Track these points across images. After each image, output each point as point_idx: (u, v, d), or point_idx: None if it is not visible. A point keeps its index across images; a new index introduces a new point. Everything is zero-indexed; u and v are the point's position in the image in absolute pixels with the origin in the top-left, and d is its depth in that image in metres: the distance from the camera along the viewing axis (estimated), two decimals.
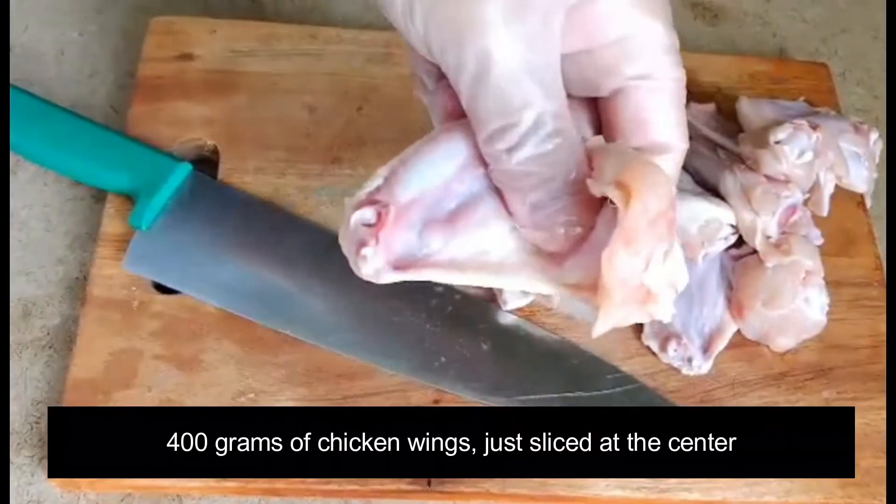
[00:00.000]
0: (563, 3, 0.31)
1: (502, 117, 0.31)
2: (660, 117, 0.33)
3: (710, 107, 0.55)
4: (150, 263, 0.49)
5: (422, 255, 0.33)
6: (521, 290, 0.35)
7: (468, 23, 0.30)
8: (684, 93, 0.34)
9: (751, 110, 0.53)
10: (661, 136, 0.34)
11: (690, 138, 0.54)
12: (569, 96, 0.32)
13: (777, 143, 0.49)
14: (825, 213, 0.51)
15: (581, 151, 0.32)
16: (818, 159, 0.50)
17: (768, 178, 0.49)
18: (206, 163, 0.55)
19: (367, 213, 0.32)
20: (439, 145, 0.34)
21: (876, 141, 0.54)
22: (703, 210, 0.49)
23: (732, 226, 0.50)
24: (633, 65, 0.33)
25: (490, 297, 0.50)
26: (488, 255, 0.33)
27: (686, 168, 0.53)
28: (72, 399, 0.46)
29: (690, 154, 0.53)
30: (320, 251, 0.50)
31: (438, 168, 0.33)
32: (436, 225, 0.33)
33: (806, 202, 0.51)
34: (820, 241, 0.52)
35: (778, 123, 0.50)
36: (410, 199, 0.33)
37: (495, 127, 0.31)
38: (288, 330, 0.48)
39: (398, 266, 0.32)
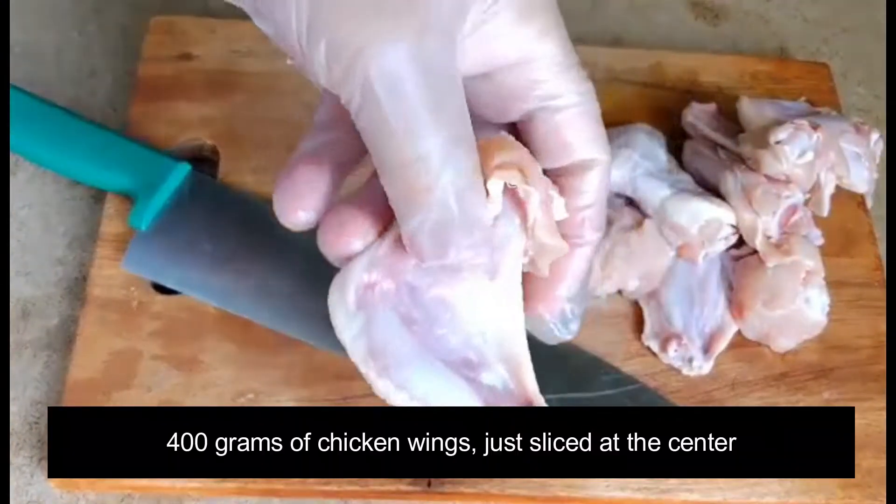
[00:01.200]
0: (458, 27, 0.29)
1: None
2: (576, 136, 0.33)
3: (711, 107, 0.55)
4: (148, 264, 0.49)
5: None
6: None
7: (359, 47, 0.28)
8: (596, 104, 0.34)
9: (751, 110, 0.53)
10: (582, 155, 0.33)
11: (692, 138, 0.54)
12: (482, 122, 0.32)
13: (777, 143, 0.49)
14: (826, 213, 0.51)
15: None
16: (819, 159, 0.50)
17: (769, 178, 0.49)
18: (205, 162, 0.55)
19: None
20: None
21: (877, 141, 0.54)
22: (703, 210, 0.49)
23: (733, 226, 0.50)
24: (536, 89, 0.32)
25: None
26: None
27: (687, 168, 0.53)
28: (71, 399, 0.46)
29: (692, 154, 0.53)
30: (319, 251, 0.49)
31: None
32: None
33: (806, 202, 0.51)
34: (820, 242, 0.52)
35: (778, 123, 0.50)
36: None
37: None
38: (286, 331, 0.48)
39: None
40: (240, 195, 0.52)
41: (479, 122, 0.31)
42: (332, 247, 0.32)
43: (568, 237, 0.33)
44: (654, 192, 0.50)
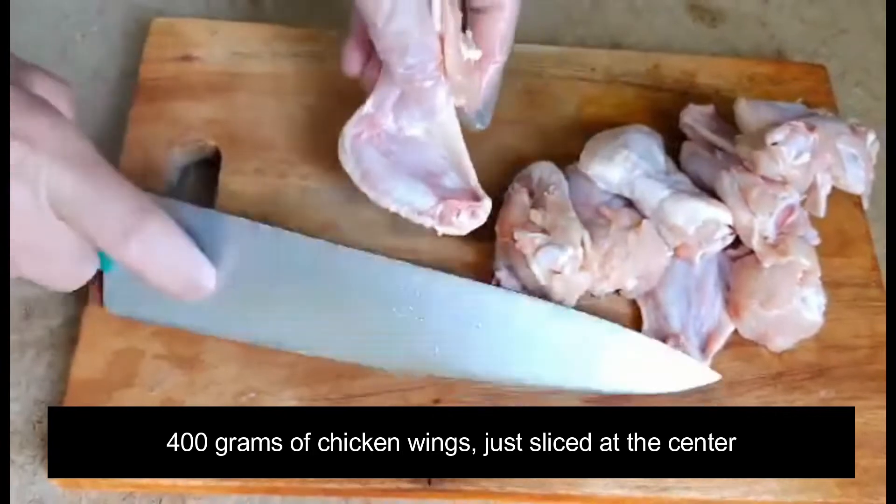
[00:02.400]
0: None
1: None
2: None
3: (709, 108, 0.55)
4: (131, 302, 0.47)
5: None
6: None
7: None
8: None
9: (748, 112, 0.53)
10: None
11: (690, 140, 0.54)
12: None
13: (774, 144, 0.49)
14: (822, 214, 0.52)
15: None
16: (815, 160, 0.50)
17: (765, 179, 0.50)
18: (206, 164, 0.56)
19: None
20: None
21: (873, 142, 0.54)
22: (700, 211, 0.49)
23: (730, 226, 0.50)
24: None
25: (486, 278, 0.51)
26: None
27: (684, 170, 0.53)
28: (73, 398, 0.46)
29: (689, 156, 0.54)
30: (304, 262, 0.48)
31: None
32: None
33: (803, 203, 0.51)
34: (816, 242, 0.52)
35: (775, 125, 0.50)
36: None
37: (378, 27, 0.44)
38: (281, 346, 0.48)
39: None
40: (213, 215, 0.49)
41: None
42: (346, 70, 0.51)
43: (487, 57, 0.49)
44: (651, 193, 0.50)
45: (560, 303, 0.48)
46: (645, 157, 0.51)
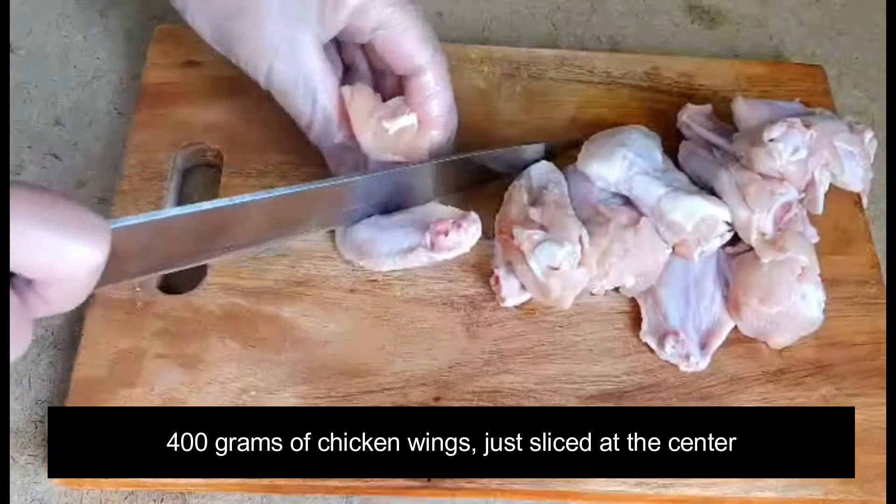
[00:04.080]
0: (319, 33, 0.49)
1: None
2: (406, 49, 0.49)
3: (707, 108, 0.55)
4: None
5: None
6: None
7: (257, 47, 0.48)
8: (421, 24, 0.49)
9: (746, 110, 0.53)
10: (416, 62, 0.49)
11: (689, 139, 0.54)
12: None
13: (771, 140, 0.49)
14: (820, 210, 0.52)
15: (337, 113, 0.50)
16: (812, 157, 0.50)
17: (763, 176, 0.50)
18: (209, 167, 0.56)
19: None
20: None
21: (871, 140, 0.54)
22: (698, 208, 0.50)
23: (728, 223, 0.50)
24: (372, 21, 0.48)
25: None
26: None
27: (683, 169, 0.53)
28: (76, 398, 0.46)
29: (687, 155, 0.54)
30: None
31: None
32: None
33: (801, 201, 0.51)
34: (816, 240, 0.52)
35: (772, 122, 0.50)
36: None
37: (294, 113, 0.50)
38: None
39: None
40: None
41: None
42: None
43: (426, 122, 0.50)
44: (649, 191, 0.50)
45: (558, 301, 0.49)
46: (643, 156, 0.52)
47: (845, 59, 0.68)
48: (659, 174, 0.51)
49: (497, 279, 0.50)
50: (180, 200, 0.55)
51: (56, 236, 0.33)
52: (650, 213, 0.50)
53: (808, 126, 0.50)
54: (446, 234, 0.48)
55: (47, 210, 0.32)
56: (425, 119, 0.50)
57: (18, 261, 0.32)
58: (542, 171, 0.53)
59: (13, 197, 0.32)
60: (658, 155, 0.53)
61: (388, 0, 0.48)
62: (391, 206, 0.52)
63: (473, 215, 0.49)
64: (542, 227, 0.48)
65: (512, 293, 0.50)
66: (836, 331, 0.52)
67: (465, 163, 0.52)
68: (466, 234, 0.49)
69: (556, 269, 0.47)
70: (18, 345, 0.35)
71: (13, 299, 0.34)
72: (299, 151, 0.55)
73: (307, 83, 0.49)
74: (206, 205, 0.42)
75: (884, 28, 0.70)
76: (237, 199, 0.43)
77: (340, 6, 0.48)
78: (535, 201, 0.50)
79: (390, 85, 0.53)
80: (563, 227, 0.48)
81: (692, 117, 0.55)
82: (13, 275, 0.33)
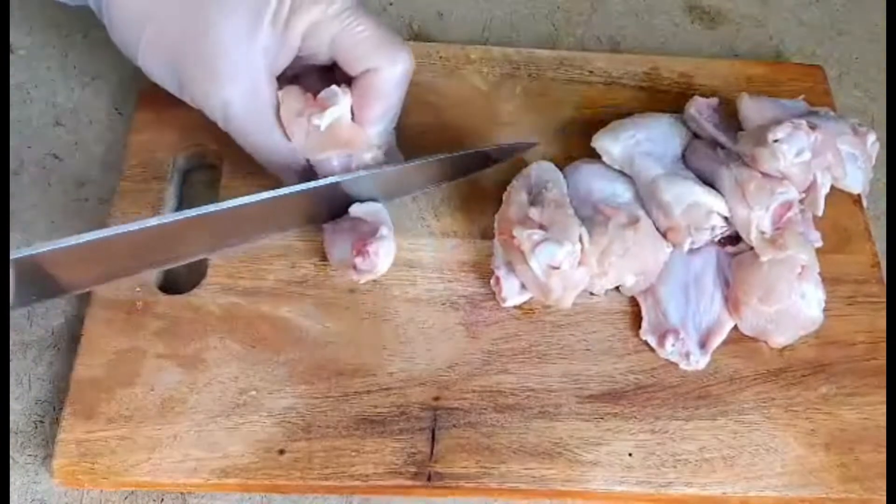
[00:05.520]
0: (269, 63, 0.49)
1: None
2: (359, 52, 0.49)
3: (714, 100, 0.55)
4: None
5: None
6: None
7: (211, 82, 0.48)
8: (374, 27, 0.49)
9: (751, 108, 0.53)
10: (368, 64, 0.49)
11: (696, 136, 0.54)
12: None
13: (776, 141, 0.49)
14: (820, 212, 0.52)
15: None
16: (815, 159, 0.50)
17: (764, 175, 0.50)
18: (210, 168, 0.56)
19: None
20: None
21: (873, 143, 0.54)
22: (690, 191, 0.50)
23: (725, 218, 0.50)
24: (324, 35, 0.49)
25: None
26: None
27: (689, 167, 0.53)
28: (75, 398, 0.46)
29: (691, 153, 0.54)
30: None
31: None
32: None
33: (802, 201, 0.51)
34: (819, 244, 0.52)
35: (777, 122, 0.50)
36: None
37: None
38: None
39: None
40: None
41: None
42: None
43: (365, 117, 0.50)
44: (648, 169, 0.51)
45: (558, 300, 0.49)
46: (654, 141, 0.53)
47: (845, 59, 0.68)
48: (665, 161, 0.52)
49: (497, 279, 0.50)
50: (180, 201, 0.55)
51: None
52: (645, 193, 0.51)
53: (813, 128, 0.50)
54: (366, 256, 0.48)
55: None
56: (365, 117, 0.50)
57: None
58: (540, 170, 0.53)
59: None
60: (677, 146, 0.53)
61: (336, 11, 0.48)
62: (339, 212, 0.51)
63: (382, 230, 0.49)
64: (542, 227, 0.48)
65: (512, 293, 0.50)
66: (835, 330, 0.52)
67: (420, 167, 0.52)
68: (377, 258, 0.48)
69: (557, 268, 0.47)
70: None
71: None
72: None
73: (265, 117, 0.49)
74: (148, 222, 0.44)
75: (884, 28, 0.70)
76: (169, 218, 0.44)
77: (291, 30, 0.48)
78: (534, 201, 0.50)
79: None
80: (563, 227, 0.48)
81: (699, 109, 0.55)
82: None
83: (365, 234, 0.49)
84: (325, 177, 0.50)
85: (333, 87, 0.50)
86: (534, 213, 0.49)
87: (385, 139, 0.51)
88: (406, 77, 0.50)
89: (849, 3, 0.71)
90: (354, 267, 0.49)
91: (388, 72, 0.49)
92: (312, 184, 0.49)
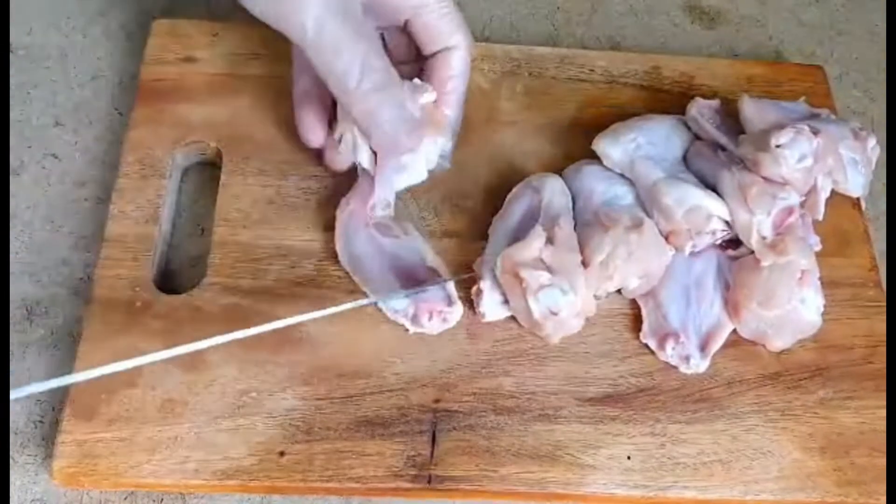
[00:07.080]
0: None
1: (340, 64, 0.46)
2: (443, 28, 0.50)
3: (715, 102, 0.55)
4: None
5: None
6: None
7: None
8: (453, 9, 0.50)
9: (753, 110, 0.53)
10: (449, 42, 0.50)
11: (697, 137, 0.54)
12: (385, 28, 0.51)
13: (778, 146, 0.49)
14: (820, 216, 0.52)
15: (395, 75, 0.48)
16: (817, 164, 0.50)
17: (766, 179, 0.50)
18: (208, 165, 0.56)
19: None
20: None
21: (874, 147, 0.54)
22: (691, 194, 0.50)
23: (726, 222, 0.50)
24: (441, 40, 0.50)
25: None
26: None
27: (689, 169, 0.53)
28: (75, 398, 0.46)
29: (693, 155, 0.54)
30: None
31: None
32: None
33: (802, 205, 0.51)
34: (818, 248, 0.52)
35: (779, 126, 0.50)
36: None
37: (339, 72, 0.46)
38: None
39: None
40: None
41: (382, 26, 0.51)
42: (311, 142, 0.53)
43: (444, 96, 0.51)
44: (649, 173, 0.51)
45: (546, 337, 0.49)
46: (655, 144, 0.52)
47: (845, 59, 0.68)
48: (666, 164, 0.52)
49: (479, 291, 0.50)
50: (179, 199, 0.55)
51: None
52: (646, 196, 0.51)
53: (815, 133, 0.50)
54: (430, 318, 0.49)
55: None
56: (443, 97, 0.50)
57: None
58: (553, 192, 0.52)
59: None
60: (678, 148, 0.53)
61: None
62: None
63: (458, 310, 0.50)
64: (549, 269, 0.48)
65: (492, 309, 0.50)
66: (833, 333, 0.52)
67: None
68: (446, 325, 0.50)
69: (556, 314, 0.47)
70: None
71: None
72: (300, 149, 0.55)
73: (356, 42, 0.46)
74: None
75: (884, 28, 0.70)
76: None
77: None
78: (546, 235, 0.49)
79: (406, 73, 0.51)
80: (570, 274, 0.48)
81: (700, 111, 0.55)
82: None
83: (429, 302, 0.49)
84: (371, 182, 0.51)
85: (415, 79, 0.50)
86: (546, 255, 0.48)
87: (452, 143, 0.52)
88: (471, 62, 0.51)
89: (849, 3, 0.71)
90: (413, 320, 0.49)
91: (467, 52, 0.51)
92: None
